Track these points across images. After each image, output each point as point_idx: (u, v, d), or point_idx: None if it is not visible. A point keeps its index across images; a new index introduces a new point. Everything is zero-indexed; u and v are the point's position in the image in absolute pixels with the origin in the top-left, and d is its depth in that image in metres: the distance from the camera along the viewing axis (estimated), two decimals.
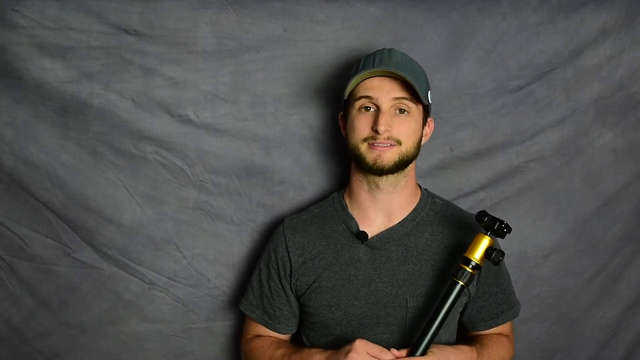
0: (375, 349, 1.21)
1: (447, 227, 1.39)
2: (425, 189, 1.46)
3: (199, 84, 1.50)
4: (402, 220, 1.38)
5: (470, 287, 1.35)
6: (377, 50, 1.38)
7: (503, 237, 1.27)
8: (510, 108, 1.59)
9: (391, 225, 1.37)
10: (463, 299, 1.36)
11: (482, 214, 1.25)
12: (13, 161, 1.47)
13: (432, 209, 1.41)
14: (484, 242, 1.25)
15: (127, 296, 1.54)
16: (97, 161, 1.50)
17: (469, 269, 1.24)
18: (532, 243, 1.64)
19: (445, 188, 1.55)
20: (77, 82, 1.46)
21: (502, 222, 1.25)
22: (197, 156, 1.52)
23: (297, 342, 1.48)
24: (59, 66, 1.45)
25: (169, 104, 1.50)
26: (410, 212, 1.39)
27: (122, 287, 1.53)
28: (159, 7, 1.46)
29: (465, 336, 1.46)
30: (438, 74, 1.56)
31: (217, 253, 1.56)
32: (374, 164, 1.30)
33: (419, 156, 1.54)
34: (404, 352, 1.23)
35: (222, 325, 1.59)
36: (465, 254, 1.26)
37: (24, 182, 1.47)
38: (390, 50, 1.37)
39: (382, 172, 1.31)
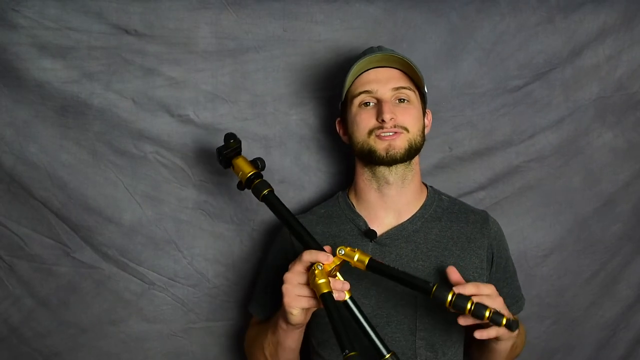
0: (295, 263, 1.19)
1: (455, 222, 1.39)
2: (430, 186, 1.45)
3: (199, 84, 1.50)
4: (411, 217, 1.37)
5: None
6: (366, 49, 1.39)
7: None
8: (510, 108, 1.60)
9: (400, 222, 1.37)
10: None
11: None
12: (13, 161, 1.47)
13: (439, 205, 1.41)
14: (242, 162, 1.28)
15: (127, 296, 1.54)
16: (97, 161, 1.50)
17: (257, 181, 1.27)
18: (531, 243, 1.64)
19: (445, 188, 1.55)
20: (78, 82, 1.46)
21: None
22: (197, 156, 1.52)
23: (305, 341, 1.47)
24: (60, 66, 1.45)
25: (169, 104, 1.50)
26: (419, 209, 1.38)
27: (122, 287, 1.53)
28: (159, 7, 1.46)
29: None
30: (437, 74, 1.56)
31: (217, 253, 1.56)
32: (387, 153, 1.30)
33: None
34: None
35: (222, 325, 1.59)
36: (244, 181, 1.28)
37: (24, 182, 1.47)
38: (379, 46, 1.39)
39: (394, 161, 1.31)
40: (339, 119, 1.45)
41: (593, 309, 1.68)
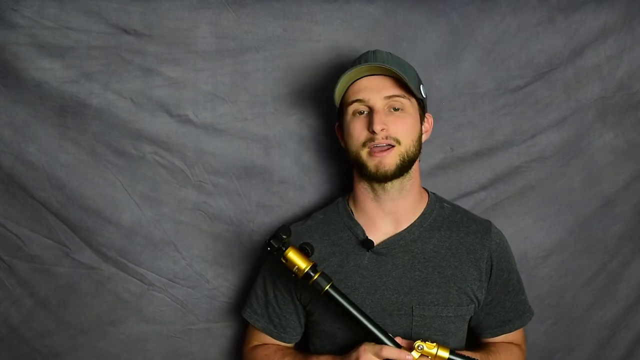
0: (376, 348, 1.21)
1: (455, 232, 1.37)
2: (433, 193, 1.44)
3: (198, 84, 1.50)
4: (409, 227, 1.36)
5: (478, 295, 1.35)
6: (361, 54, 1.37)
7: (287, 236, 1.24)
8: (511, 108, 1.59)
9: (398, 231, 1.35)
10: (471, 307, 1.35)
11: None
12: (12, 161, 1.46)
13: (440, 214, 1.39)
14: (293, 254, 1.23)
15: (126, 297, 1.54)
16: (96, 161, 1.49)
17: (315, 276, 1.23)
18: (532, 243, 1.63)
19: (446, 188, 1.55)
20: (76, 82, 1.46)
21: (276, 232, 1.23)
22: (197, 156, 1.52)
23: (302, 347, 1.47)
24: (58, 66, 1.44)
25: (169, 104, 1.49)
26: (418, 218, 1.37)
27: (121, 288, 1.53)
28: (159, 7, 1.46)
29: (474, 343, 1.45)
30: (438, 74, 1.56)
31: (217, 254, 1.56)
32: (377, 171, 1.29)
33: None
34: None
35: (222, 326, 1.59)
36: (301, 275, 1.24)
37: (23, 182, 1.47)
38: (375, 51, 1.36)
39: (385, 178, 1.29)
40: (337, 123, 1.44)
41: (593, 309, 1.68)
